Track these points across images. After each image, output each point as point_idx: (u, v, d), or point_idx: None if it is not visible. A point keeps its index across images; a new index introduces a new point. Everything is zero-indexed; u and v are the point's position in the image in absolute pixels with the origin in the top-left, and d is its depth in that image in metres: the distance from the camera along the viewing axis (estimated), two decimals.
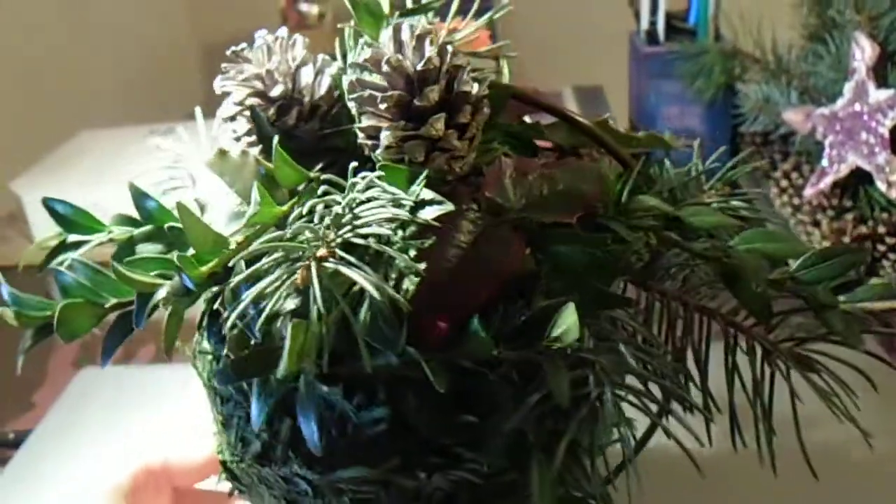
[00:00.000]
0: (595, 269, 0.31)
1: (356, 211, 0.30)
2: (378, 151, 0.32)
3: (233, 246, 0.31)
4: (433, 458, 0.32)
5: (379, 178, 0.31)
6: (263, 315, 0.29)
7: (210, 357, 0.38)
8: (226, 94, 0.38)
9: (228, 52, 0.38)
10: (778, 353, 0.37)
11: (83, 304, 0.34)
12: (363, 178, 0.31)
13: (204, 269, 0.31)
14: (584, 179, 0.34)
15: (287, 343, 0.28)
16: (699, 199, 0.40)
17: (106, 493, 0.41)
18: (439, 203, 0.30)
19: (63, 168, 0.97)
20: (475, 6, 0.38)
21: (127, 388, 0.66)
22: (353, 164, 0.32)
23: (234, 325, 0.31)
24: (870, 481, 0.51)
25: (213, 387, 0.37)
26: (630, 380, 0.33)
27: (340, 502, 0.34)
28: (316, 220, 0.30)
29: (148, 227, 0.36)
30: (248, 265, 0.30)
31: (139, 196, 0.36)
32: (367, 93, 0.32)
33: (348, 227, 0.29)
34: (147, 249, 0.34)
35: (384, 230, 0.29)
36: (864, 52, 0.73)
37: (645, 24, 0.92)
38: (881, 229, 0.71)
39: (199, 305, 0.34)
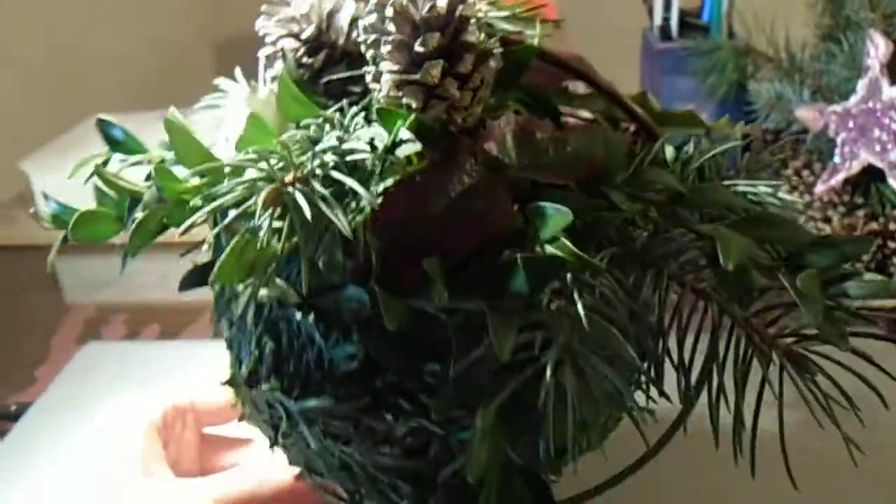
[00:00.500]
0: (568, 231, 0.31)
1: (330, 143, 0.30)
2: (380, 95, 0.32)
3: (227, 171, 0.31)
4: (401, 401, 0.33)
5: (375, 121, 0.31)
6: (217, 228, 0.30)
7: None
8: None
9: None
10: (774, 347, 0.33)
11: (101, 212, 0.36)
12: (352, 116, 0.31)
13: (181, 186, 0.32)
14: (594, 146, 0.34)
15: (223, 255, 0.30)
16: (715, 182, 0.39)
17: (142, 428, 0.46)
18: (411, 142, 0.30)
19: (73, 149, 0.97)
20: None
21: (131, 363, 0.66)
22: (354, 109, 0.32)
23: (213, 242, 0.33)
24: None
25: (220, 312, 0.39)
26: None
27: (312, 432, 0.35)
28: (295, 148, 0.31)
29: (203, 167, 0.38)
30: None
31: (171, 128, 0.37)
32: (373, 37, 0.32)
33: (318, 159, 0.30)
34: (177, 171, 0.35)
35: (358, 156, 0.30)
36: (878, 49, 0.72)
37: (658, 21, 0.92)
38: (892, 226, 0.71)
39: None
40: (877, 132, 0.72)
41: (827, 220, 0.75)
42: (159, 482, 0.43)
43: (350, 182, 0.29)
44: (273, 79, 0.38)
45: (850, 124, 0.74)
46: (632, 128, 0.39)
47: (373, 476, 0.34)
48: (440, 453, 0.33)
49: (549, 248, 0.29)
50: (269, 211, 0.28)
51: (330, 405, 0.33)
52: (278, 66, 0.38)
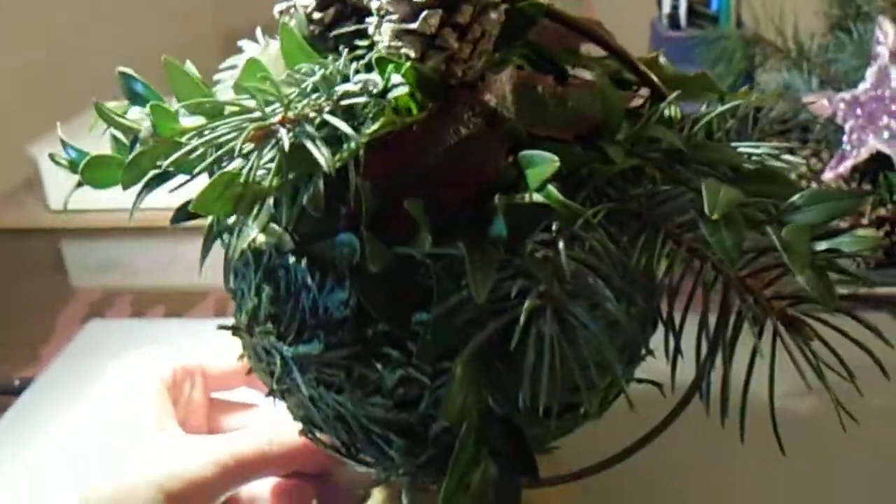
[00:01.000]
0: (561, 183, 0.30)
1: (324, 86, 0.30)
2: (380, 45, 0.32)
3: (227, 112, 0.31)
4: (390, 350, 0.33)
5: (372, 69, 0.31)
6: (202, 165, 0.30)
7: None
8: None
9: None
10: (769, 310, 0.31)
11: (112, 157, 0.36)
12: (349, 61, 0.31)
13: (176, 126, 0.32)
14: (595, 102, 0.34)
15: (205, 185, 0.29)
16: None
17: (151, 384, 0.45)
18: (402, 86, 0.30)
19: (81, 132, 0.97)
20: None
21: (135, 341, 0.66)
22: (352, 54, 0.33)
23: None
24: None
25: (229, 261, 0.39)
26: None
27: (305, 379, 0.35)
28: (290, 91, 0.31)
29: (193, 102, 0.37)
30: None
31: (171, 68, 0.37)
32: None
33: (308, 101, 0.30)
34: (188, 121, 0.34)
35: (352, 99, 0.30)
36: (887, 36, 0.72)
37: (667, 9, 0.92)
38: None
39: None
40: (885, 119, 0.71)
41: None
42: (170, 437, 0.42)
43: (339, 124, 0.29)
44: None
45: (858, 111, 0.73)
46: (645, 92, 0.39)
47: (366, 427, 0.34)
48: (431, 406, 0.33)
49: (536, 196, 0.29)
50: (252, 147, 0.28)
51: (322, 351, 0.33)
52: (292, 21, 0.38)
